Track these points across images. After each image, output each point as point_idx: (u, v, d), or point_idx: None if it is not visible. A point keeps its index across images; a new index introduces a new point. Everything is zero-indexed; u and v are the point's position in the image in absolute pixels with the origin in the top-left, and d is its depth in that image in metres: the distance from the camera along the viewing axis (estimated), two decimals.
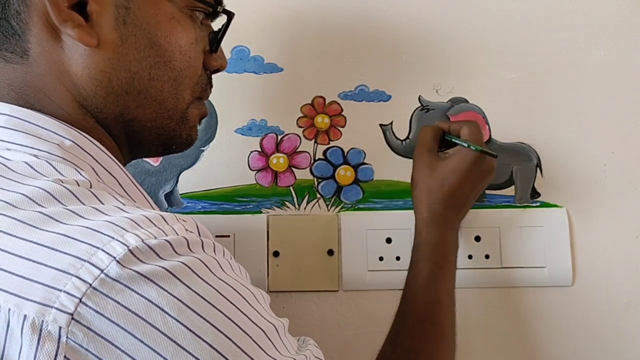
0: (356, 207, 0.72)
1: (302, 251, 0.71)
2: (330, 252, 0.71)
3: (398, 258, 0.70)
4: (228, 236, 0.70)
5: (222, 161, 0.72)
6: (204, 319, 0.35)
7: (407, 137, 0.73)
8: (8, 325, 0.33)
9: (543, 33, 0.73)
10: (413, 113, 0.73)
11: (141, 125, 0.49)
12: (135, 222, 0.37)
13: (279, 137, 0.73)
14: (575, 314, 0.71)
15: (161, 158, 0.72)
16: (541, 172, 0.73)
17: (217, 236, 0.70)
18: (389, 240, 0.71)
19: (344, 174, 0.72)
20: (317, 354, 0.44)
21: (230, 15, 0.54)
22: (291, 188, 0.72)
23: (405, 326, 0.58)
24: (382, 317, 0.71)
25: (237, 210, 0.72)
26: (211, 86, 0.55)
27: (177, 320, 0.34)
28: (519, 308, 0.71)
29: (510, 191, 0.72)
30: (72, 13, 0.43)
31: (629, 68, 0.73)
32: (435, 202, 0.62)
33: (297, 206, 0.72)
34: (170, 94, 0.49)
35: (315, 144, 0.73)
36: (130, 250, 0.34)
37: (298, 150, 0.73)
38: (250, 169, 0.72)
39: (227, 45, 0.72)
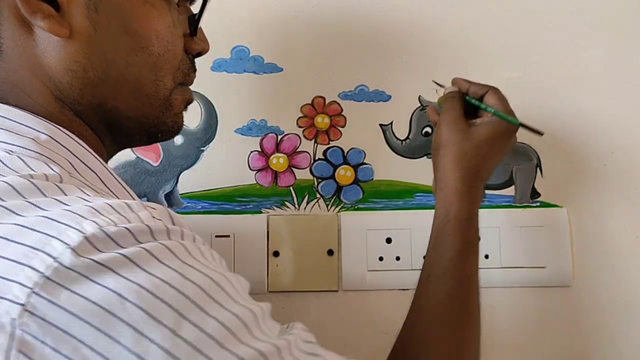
0: (356, 207, 0.72)
1: (302, 251, 0.71)
2: (330, 252, 0.71)
3: (398, 258, 0.70)
4: (228, 236, 0.70)
5: (222, 161, 0.72)
6: (167, 304, 0.33)
7: (407, 137, 0.73)
8: None
9: (543, 33, 0.73)
10: (413, 113, 0.73)
11: (121, 114, 0.47)
12: (96, 210, 0.35)
13: (279, 137, 0.73)
14: (575, 314, 0.71)
15: (161, 158, 0.72)
16: (541, 172, 0.73)
17: (217, 236, 0.70)
18: (388, 240, 0.71)
19: (344, 174, 0.73)
20: (306, 337, 0.42)
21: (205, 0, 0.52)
22: (291, 188, 0.72)
23: (431, 306, 0.52)
24: (382, 317, 0.71)
25: (237, 210, 0.72)
26: (194, 70, 0.53)
27: (137, 306, 0.32)
28: (519, 308, 0.71)
29: (510, 191, 0.72)
30: (41, 4, 0.42)
31: (629, 68, 0.73)
32: (470, 173, 0.57)
33: (297, 206, 0.72)
34: (150, 80, 0.47)
35: (315, 144, 0.73)
36: (86, 238, 0.33)
37: (298, 150, 0.73)
38: (250, 169, 0.72)
39: (227, 45, 0.72)
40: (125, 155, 0.71)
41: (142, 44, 0.46)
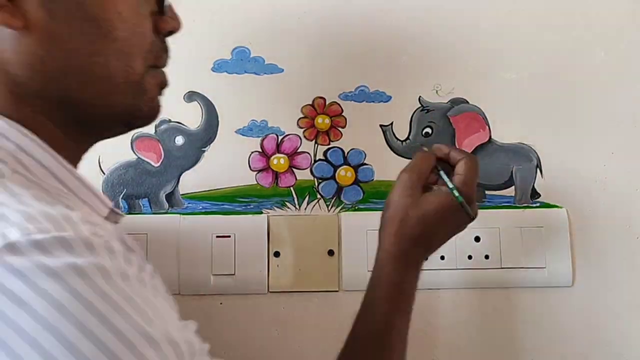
0: (356, 208, 0.72)
1: (302, 251, 0.71)
2: (331, 253, 0.71)
3: None
4: (229, 236, 0.70)
5: (222, 162, 0.72)
6: (77, 324, 0.32)
7: (407, 138, 0.73)
8: None
9: (543, 33, 0.74)
10: (413, 114, 0.73)
11: (89, 106, 0.44)
12: (30, 216, 0.34)
13: (280, 138, 0.73)
14: (575, 314, 0.71)
15: (162, 158, 0.72)
16: (541, 172, 0.73)
17: (218, 236, 0.70)
18: None
19: (345, 174, 0.73)
20: None
21: None
22: (292, 188, 0.72)
23: None
24: None
25: (238, 210, 0.72)
26: (167, 51, 0.50)
27: (43, 320, 0.31)
28: (519, 308, 0.71)
29: (510, 191, 0.73)
30: None
31: (629, 68, 0.73)
32: (406, 239, 0.55)
33: (297, 207, 0.72)
34: (118, 67, 0.44)
35: (316, 145, 0.73)
36: (9, 242, 0.32)
37: (298, 150, 0.73)
38: (251, 169, 0.72)
39: (227, 46, 0.72)
40: (126, 155, 0.72)
41: (105, 29, 0.42)
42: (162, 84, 0.50)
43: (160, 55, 0.49)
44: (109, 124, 0.47)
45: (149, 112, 0.48)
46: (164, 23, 0.48)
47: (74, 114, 0.44)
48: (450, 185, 0.56)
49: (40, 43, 0.41)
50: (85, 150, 0.49)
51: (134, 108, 0.46)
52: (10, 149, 0.40)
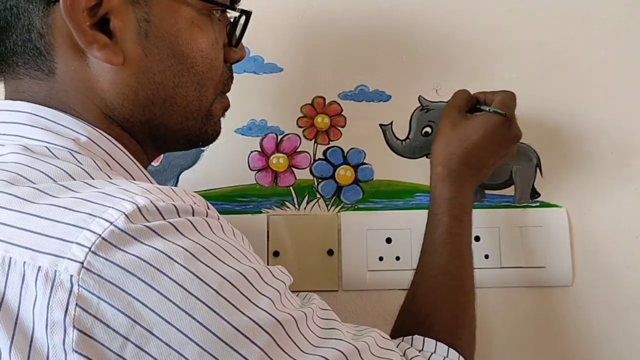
0: (356, 207, 0.72)
1: (302, 251, 0.71)
2: (330, 252, 0.71)
3: (398, 258, 0.70)
4: None
5: (222, 161, 0.72)
6: (210, 268, 0.37)
7: (407, 137, 0.73)
8: (23, 279, 0.35)
9: (543, 33, 0.73)
10: (413, 113, 0.73)
11: (167, 129, 0.50)
12: (147, 190, 0.39)
13: (279, 137, 0.73)
14: (575, 314, 0.71)
15: (162, 158, 0.72)
16: (541, 172, 0.73)
17: None
18: (388, 240, 0.71)
19: (344, 174, 0.73)
20: (323, 305, 0.47)
21: (247, 15, 0.54)
22: (291, 188, 0.72)
23: (426, 279, 0.58)
24: (382, 317, 0.71)
25: (237, 210, 0.72)
26: (232, 78, 0.56)
27: (185, 267, 0.36)
28: (519, 308, 0.71)
29: (510, 191, 0.72)
30: (96, 34, 0.44)
31: (629, 68, 0.73)
32: (452, 158, 0.62)
33: (297, 206, 0.72)
34: (195, 97, 0.50)
35: (315, 144, 0.73)
36: (138, 208, 0.37)
37: (298, 150, 0.73)
38: (250, 169, 0.72)
39: None
40: None
41: (189, 64, 0.49)
42: (226, 107, 0.56)
43: (227, 83, 0.55)
44: (179, 143, 0.53)
45: (212, 134, 0.54)
46: (233, 53, 0.54)
47: (152, 135, 0.50)
48: (488, 108, 0.63)
49: (135, 76, 0.46)
50: (152, 160, 0.55)
51: (200, 131, 0.52)
52: (101, 154, 0.45)
